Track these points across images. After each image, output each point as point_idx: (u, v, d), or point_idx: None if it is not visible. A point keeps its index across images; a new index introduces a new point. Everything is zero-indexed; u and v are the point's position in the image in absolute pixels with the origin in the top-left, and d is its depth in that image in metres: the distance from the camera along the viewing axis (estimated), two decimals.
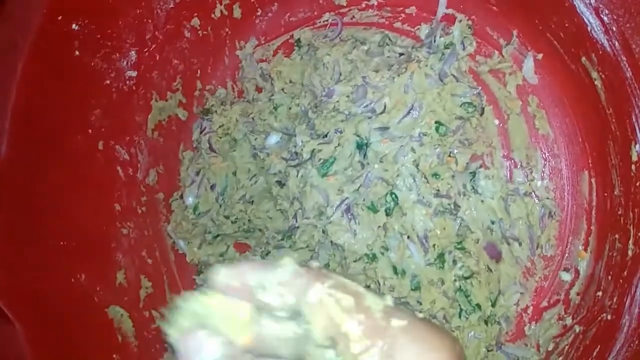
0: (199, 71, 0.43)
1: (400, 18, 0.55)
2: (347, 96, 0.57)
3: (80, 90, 0.36)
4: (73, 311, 0.39)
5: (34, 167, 0.35)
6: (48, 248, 0.38)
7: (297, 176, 0.55)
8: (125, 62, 0.36)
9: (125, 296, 0.45)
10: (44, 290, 0.37)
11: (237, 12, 0.41)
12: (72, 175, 0.37)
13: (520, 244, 0.64)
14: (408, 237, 0.58)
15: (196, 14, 0.40)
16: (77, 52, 0.34)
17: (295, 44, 0.54)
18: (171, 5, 0.38)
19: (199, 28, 0.40)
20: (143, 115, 0.40)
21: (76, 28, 0.33)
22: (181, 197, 0.56)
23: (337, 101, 0.56)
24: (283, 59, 0.55)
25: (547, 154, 0.64)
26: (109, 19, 0.35)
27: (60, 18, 0.32)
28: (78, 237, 0.39)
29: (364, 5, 0.45)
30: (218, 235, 0.59)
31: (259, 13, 0.44)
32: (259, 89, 0.55)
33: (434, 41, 0.61)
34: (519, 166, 0.66)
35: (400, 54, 0.61)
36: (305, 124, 0.56)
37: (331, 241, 0.56)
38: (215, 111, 0.55)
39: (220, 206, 0.60)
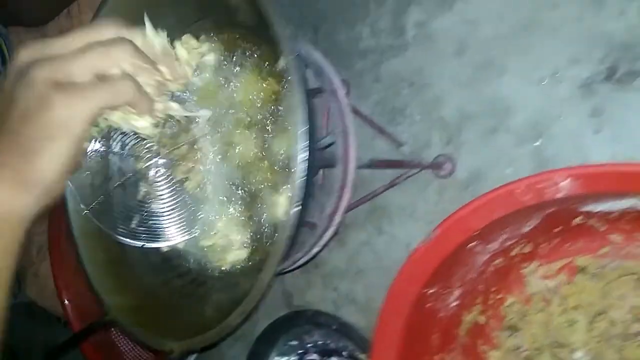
0: (493, 288, 0.53)
1: None
2: None
3: (427, 329, 0.50)
4: None
5: None
6: None
7: None
8: (451, 298, 0.50)
9: None
10: None
11: (527, 249, 0.50)
12: None
13: None
14: None
15: (500, 258, 0.50)
16: (429, 304, 0.48)
17: (579, 269, 0.53)
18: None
19: (500, 265, 0.51)
20: (459, 327, 0.52)
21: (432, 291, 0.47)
22: None
23: None
24: (566, 279, 0.53)
25: None
26: (450, 279, 0.48)
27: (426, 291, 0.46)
28: None
29: (638, 244, 0.48)
30: None
31: (543, 244, 0.51)
32: (546, 301, 0.54)
33: None
34: None
35: None
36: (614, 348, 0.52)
37: None
38: (521, 328, 0.54)
39: None
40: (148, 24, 0.36)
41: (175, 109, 0.39)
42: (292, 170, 0.35)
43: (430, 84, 0.62)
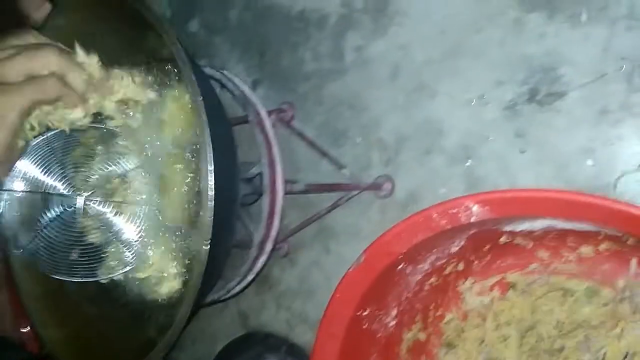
0: (431, 306, 0.55)
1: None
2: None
3: (366, 350, 0.51)
4: None
5: None
6: None
7: None
8: (389, 318, 0.51)
9: None
10: None
11: (460, 267, 0.52)
12: None
13: None
14: None
15: (434, 277, 0.52)
16: (365, 325, 0.49)
17: (510, 286, 0.55)
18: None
19: (436, 284, 0.52)
20: (399, 346, 0.53)
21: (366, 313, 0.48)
22: None
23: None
24: (499, 295, 0.56)
25: None
26: (385, 300, 0.50)
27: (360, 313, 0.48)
28: None
29: (563, 260, 0.50)
30: None
31: (475, 262, 0.53)
32: (481, 317, 0.57)
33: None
34: None
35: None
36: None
37: None
38: (458, 344, 0.56)
39: None
40: (79, 50, 0.42)
41: (107, 106, 0.44)
42: (205, 206, 0.36)
43: (368, 107, 0.63)
